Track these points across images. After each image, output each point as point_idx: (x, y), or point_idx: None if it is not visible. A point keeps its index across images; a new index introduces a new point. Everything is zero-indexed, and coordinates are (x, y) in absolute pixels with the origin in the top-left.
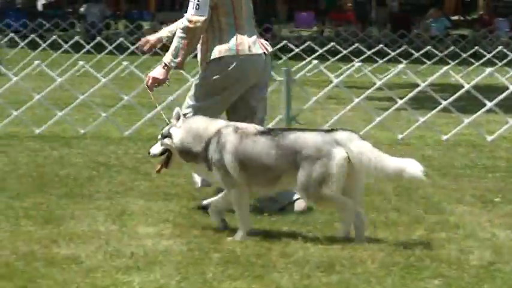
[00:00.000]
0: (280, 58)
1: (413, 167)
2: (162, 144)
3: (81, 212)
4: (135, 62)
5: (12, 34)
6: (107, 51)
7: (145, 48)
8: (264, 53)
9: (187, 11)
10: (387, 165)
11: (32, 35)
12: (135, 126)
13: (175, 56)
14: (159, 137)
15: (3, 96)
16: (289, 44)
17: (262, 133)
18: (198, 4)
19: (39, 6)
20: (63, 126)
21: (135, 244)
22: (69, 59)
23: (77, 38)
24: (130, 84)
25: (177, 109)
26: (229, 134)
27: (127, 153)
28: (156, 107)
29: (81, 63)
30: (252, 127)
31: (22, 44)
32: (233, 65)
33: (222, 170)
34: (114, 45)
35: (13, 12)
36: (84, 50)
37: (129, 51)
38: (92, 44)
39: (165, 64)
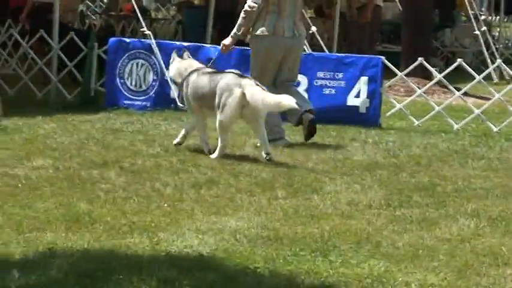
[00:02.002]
0: None
1: (287, 100)
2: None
3: None
4: None
5: None
6: None
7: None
8: (294, 34)
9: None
10: (270, 101)
11: None
12: None
13: (238, 30)
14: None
15: None
16: None
17: (209, 73)
18: None
19: None
20: None
21: None
22: None
23: None
24: None
25: (174, 52)
26: (193, 75)
27: None
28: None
29: None
30: (208, 69)
31: None
32: (267, 42)
33: (187, 99)
34: None
35: None
36: None
37: None
38: None
39: (232, 35)
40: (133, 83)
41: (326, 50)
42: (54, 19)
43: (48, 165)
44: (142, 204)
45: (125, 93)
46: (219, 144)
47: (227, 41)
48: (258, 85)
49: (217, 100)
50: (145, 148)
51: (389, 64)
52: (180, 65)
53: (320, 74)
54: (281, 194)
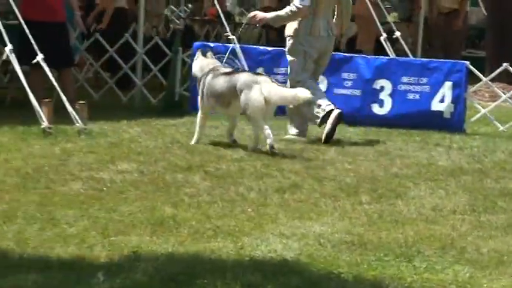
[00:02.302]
0: None
1: (303, 92)
2: None
3: None
4: None
5: None
6: None
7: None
8: (329, 34)
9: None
10: (286, 94)
11: None
12: None
13: (276, 18)
14: None
15: None
16: None
17: (225, 73)
18: None
19: None
20: None
21: None
22: None
23: None
24: None
25: (199, 50)
26: (210, 74)
27: None
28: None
29: None
30: (224, 69)
31: None
32: (304, 42)
33: (201, 95)
34: None
35: None
36: None
37: None
38: None
39: (268, 16)
40: None
41: (410, 55)
42: (138, 23)
43: (132, 169)
44: (226, 208)
45: None
46: (266, 136)
47: (260, 16)
48: (273, 81)
49: (241, 99)
50: (230, 152)
51: (473, 69)
52: (202, 63)
53: (404, 79)
54: (365, 199)
